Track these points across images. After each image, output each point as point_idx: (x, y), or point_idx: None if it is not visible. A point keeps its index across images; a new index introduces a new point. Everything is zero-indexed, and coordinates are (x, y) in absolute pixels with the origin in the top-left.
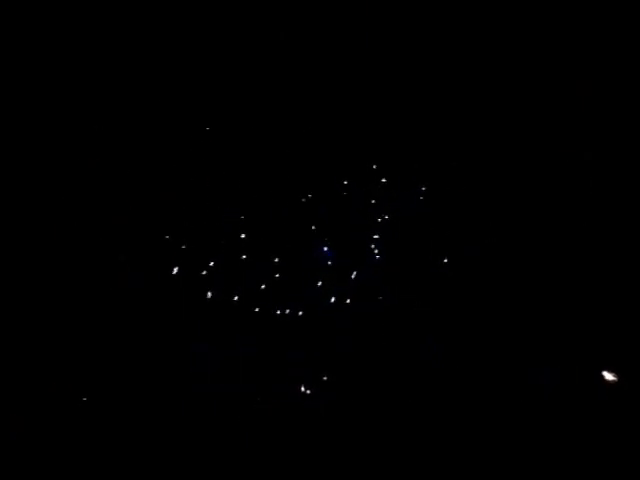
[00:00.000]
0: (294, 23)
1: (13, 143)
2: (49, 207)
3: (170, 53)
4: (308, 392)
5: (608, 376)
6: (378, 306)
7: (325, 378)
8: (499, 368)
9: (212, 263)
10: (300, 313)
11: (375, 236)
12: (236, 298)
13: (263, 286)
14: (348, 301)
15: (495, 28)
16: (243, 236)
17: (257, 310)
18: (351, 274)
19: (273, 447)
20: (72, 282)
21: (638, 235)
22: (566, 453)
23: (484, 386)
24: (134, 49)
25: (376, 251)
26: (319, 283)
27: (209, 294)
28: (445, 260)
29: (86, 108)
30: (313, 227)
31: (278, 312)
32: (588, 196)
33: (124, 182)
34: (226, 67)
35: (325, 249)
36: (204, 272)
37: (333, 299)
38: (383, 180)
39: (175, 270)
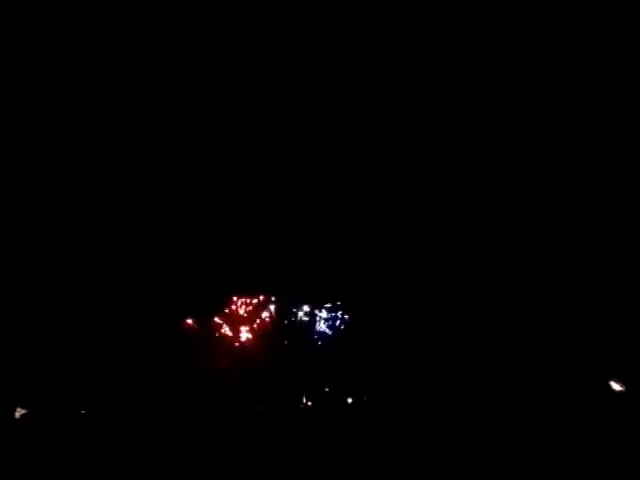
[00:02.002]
0: (294, 23)
1: (14, 144)
2: (50, 207)
3: (171, 54)
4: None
5: (611, 383)
6: (378, 306)
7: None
8: (499, 368)
9: (211, 264)
10: (300, 314)
11: (374, 236)
12: (234, 299)
13: (262, 288)
14: (347, 303)
15: (495, 29)
16: (242, 238)
17: (256, 311)
18: (350, 275)
19: (273, 450)
20: (72, 282)
21: (638, 235)
22: (565, 452)
23: (484, 386)
24: (135, 50)
25: (376, 251)
26: (317, 285)
27: (208, 295)
28: (445, 261)
29: (87, 109)
30: (312, 228)
31: (278, 313)
32: (588, 196)
33: (124, 182)
34: (227, 68)
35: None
36: (202, 274)
37: (332, 300)
38: (382, 180)
39: (175, 271)
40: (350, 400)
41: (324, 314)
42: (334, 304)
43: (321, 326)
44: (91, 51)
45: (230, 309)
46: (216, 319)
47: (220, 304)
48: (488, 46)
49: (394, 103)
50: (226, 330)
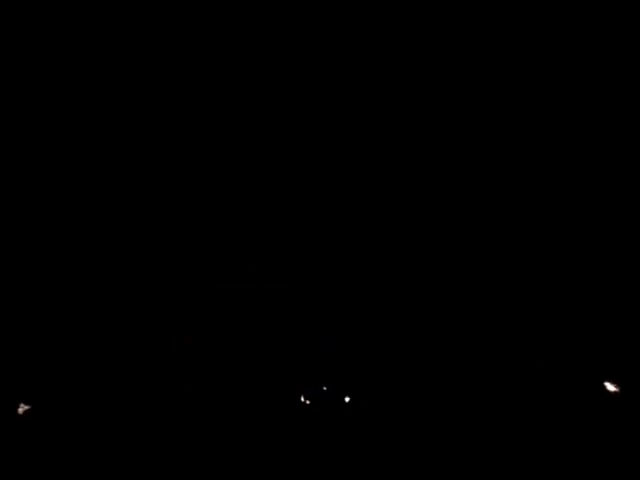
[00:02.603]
0: (294, 24)
1: (15, 144)
2: (50, 207)
3: (171, 55)
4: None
5: (609, 385)
6: (378, 306)
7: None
8: (499, 368)
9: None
10: (297, 316)
11: (375, 236)
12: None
13: (262, 291)
14: (348, 301)
15: (496, 30)
16: (242, 238)
17: (255, 311)
18: (349, 275)
19: (273, 450)
20: (72, 283)
21: (638, 236)
22: (565, 452)
23: (484, 385)
24: (136, 51)
25: (376, 252)
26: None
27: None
28: (445, 261)
29: (87, 110)
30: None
31: (277, 312)
32: (588, 196)
33: (124, 182)
34: (227, 68)
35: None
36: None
37: (332, 299)
38: (381, 182)
39: (173, 271)
40: (347, 399)
41: (324, 314)
42: (335, 302)
43: (322, 325)
44: (90, 50)
45: (229, 308)
46: (214, 318)
47: (219, 303)
48: (488, 46)
49: (393, 103)
50: (225, 329)
